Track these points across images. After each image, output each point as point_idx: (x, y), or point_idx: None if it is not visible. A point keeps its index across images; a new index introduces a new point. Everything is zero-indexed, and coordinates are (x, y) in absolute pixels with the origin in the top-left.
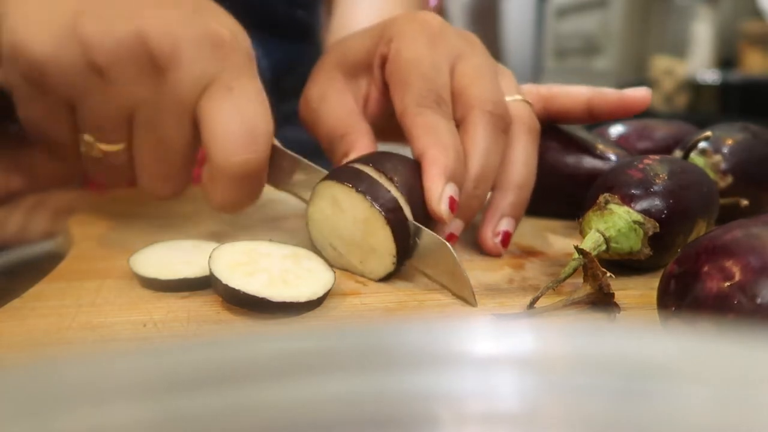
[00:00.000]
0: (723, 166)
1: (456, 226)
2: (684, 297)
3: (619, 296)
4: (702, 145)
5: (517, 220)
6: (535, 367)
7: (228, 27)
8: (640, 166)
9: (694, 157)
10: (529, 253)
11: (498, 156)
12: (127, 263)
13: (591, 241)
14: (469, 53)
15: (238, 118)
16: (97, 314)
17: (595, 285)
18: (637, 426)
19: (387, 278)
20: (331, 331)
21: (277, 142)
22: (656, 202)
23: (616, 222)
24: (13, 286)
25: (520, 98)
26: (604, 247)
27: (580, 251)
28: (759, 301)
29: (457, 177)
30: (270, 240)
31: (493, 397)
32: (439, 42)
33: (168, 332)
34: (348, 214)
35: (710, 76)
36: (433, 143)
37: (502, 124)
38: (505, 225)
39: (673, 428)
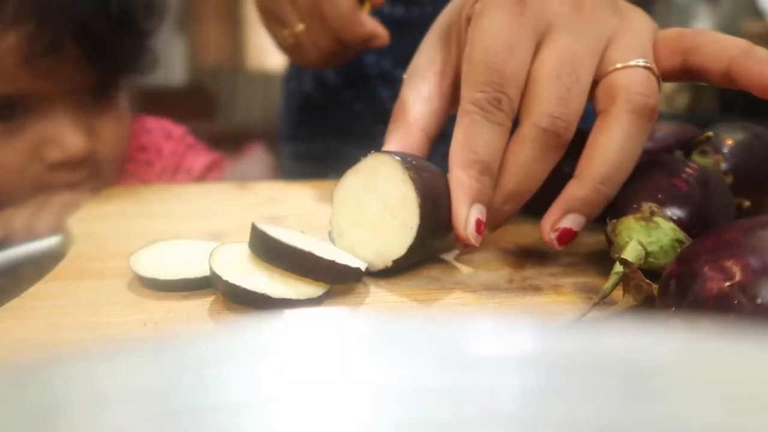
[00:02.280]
0: (723, 166)
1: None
2: (684, 297)
3: (620, 294)
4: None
5: (588, 218)
6: (535, 367)
7: None
8: (684, 176)
9: (695, 157)
10: (529, 252)
11: (538, 174)
12: (127, 263)
13: (633, 254)
14: (563, 28)
15: None
16: (97, 314)
17: (639, 297)
18: (637, 426)
19: (394, 268)
20: (331, 329)
21: None
22: (702, 225)
23: (661, 238)
24: (12, 285)
25: (642, 63)
26: (643, 260)
27: (623, 261)
28: (759, 301)
29: (482, 196)
30: (302, 232)
31: (493, 397)
32: (531, 9)
33: (168, 332)
34: (379, 191)
35: None
36: (461, 156)
37: (555, 142)
38: (569, 221)
39: (674, 428)
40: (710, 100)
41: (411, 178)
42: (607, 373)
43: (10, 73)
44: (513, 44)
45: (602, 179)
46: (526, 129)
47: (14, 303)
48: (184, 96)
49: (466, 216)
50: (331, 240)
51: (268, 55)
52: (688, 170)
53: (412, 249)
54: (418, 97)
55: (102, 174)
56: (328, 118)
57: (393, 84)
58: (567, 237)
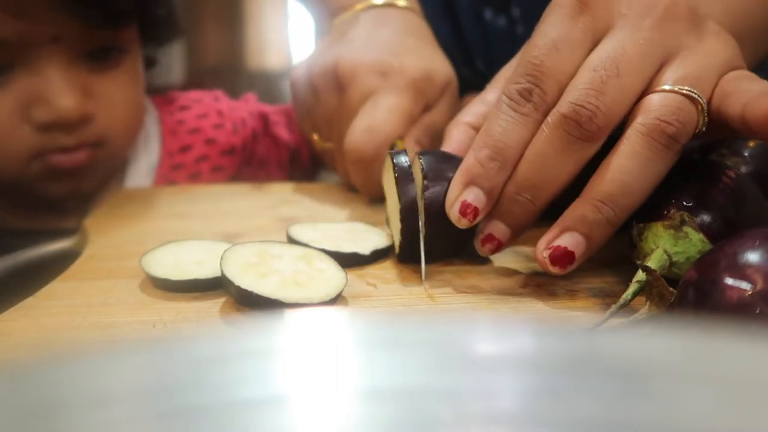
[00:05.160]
0: (743, 169)
1: (496, 227)
2: (703, 305)
3: (639, 301)
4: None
5: (588, 240)
6: (535, 367)
7: (409, 61)
8: (721, 185)
9: (713, 159)
10: None
11: (558, 167)
12: (139, 263)
13: (658, 263)
14: (622, 30)
15: (364, 117)
16: (107, 314)
17: (662, 305)
18: (636, 426)
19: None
20: (334, 330)
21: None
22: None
23: (688, 249)
24: (27, 284)
25: (685, 90)
26: (666, 270)
27: (646, 269)
28: None
29: (483, 181)
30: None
31: (493, 397)
32: (593, 9)
33: (172, 331)
34: (390, 181)
35: None
36: (476, 141)
37: (576, 132)
38: (564, 239)
39: (673, 428)
40: None
41: (395, 167)
42: (607, 374)
43: None
44: (559, 41)
45: (603, 198)
46: (549, 117)
47: (28, 302)
48: None
49: (456, 195)
50: (387, 224)
51: (268, 55)
52: (726, 179)
53: (404, 234)
54: (481, 99)
55: (106, 145)
56: None
57: None
58: (561, 257)
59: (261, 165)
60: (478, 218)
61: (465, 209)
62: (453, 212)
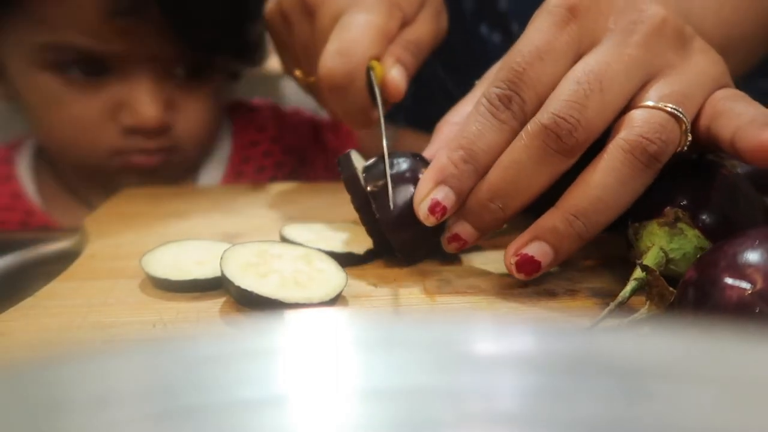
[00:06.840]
0: (739, 169)
1: (463, 229)
2: (703, 305)
3: (638, 301)
4: None
5: (556, 251)
6: (535, 367)
7: None
8: (714, 182)
9: (708, 158)
10: None
11: (532, 177)
12: (140, 263)
13: (654, 260)
14: (607, 45)
15: (334, 40)
16: (107, 314)
17: (662, 305)
18: (636, 426)
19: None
20: (333, 330)
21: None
22: (729, 234)
23: (684, 245)
24: (27, 284)
25: (669, 108)
26: (663, 267)
27: (645, 268)
28: None
29: (455, 181)
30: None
31: (493, 397)
32: (580, 21)
33: (172, 332)
34: None
35: None
36: (451, 141)
37: (555, 144)
38: (532, 248)
39: (673, 428)
40: None
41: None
42: (607, 374)
43: (93, 28)
44: (543, 50)
45: (577, 212)
46: (528, 125)
47: (28, 302)
48: None
49: (426, 193)
50: None
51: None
52: (719, 176)
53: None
54: (470, 99)
55: (179, 151)
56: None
57: None
58: (527, 265)
59: (311, 166)
60: (445, 217)
61: (434, 207)
62: (422, 209)
